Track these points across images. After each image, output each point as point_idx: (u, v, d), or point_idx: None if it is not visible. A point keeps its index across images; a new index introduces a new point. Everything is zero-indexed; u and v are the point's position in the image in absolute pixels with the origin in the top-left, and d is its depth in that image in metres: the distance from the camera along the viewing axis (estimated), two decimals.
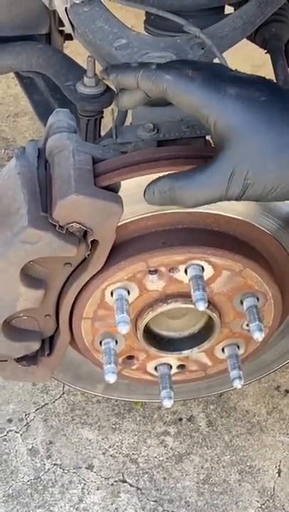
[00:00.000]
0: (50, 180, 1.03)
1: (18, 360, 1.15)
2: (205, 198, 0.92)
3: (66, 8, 1.24)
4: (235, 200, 0.92)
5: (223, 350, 1.20)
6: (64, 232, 1.00)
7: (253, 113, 0.89)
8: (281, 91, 0.93)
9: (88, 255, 1.05)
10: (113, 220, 1.01)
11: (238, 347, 1.20)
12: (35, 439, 1.54)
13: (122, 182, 1.03)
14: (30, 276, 1.05)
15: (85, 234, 1.03)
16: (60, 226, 1.00)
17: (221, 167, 0.90)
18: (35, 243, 1.00)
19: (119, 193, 1.02)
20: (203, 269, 1.07)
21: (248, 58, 2.29)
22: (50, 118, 1.08)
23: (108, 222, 1.01)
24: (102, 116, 1.39)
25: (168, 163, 1.03)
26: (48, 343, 1.15)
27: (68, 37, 1.67)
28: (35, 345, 1.13)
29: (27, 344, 1.12)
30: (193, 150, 1.06)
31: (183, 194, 0.93)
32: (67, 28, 1.36)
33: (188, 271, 1.07)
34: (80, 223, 1.00)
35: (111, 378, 1.08)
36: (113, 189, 1.02)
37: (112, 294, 1.08)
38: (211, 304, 1.11)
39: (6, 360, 1.14)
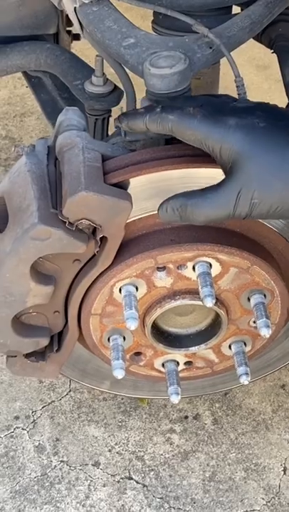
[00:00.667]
0: (59, 177, 1.04)
1: (27, 355, 1.16)
2: (215, 216, 0.98)
3: (75, 8, 1.25)
4: (244, 218, 0.96)
5: (230, 347, 1.21)
6: (73, 228, 1.01)
7: (253, 139, 0.95)
8: (280, 114, 0.98)
9: (97, 252, 1.06)
10: (122, 217, 1.02)
11: (245, 344, 1.21)
12: (42, 436, 1.55)
13: (130, 179, 1.04)
14: (40, 273, 1.06)
15: (94, 231, 1.04)
16: (69, 223, 1.01)
17: (229, 188, 0.96)
18: (45, 240, 1.01)
19: (128, 190, 1.03)
20: (210, 266, 1.08)
21: (252, 59, 2.31)
22: (60, 116, 1.09)
23: (117, 218, 1.02)
24: (110, 115, 1.40)
25: (176, 161, 1.04)
26: (57, 339, 1.16)
27: (76, 37, 1.69)
28: (44, 341, 1.14)
29: (36, 340, 1.13)
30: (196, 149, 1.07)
31: (194, 212, 0.98)
32: (76, 28, 1.37)
33: (196, 268, 1.08)
34: (89, 220, 1.01)
35: (119, 374, 1.09)
36: (122, 186, 1.03)
37: (120, 290, 1.09)
38: (218, 300, 1.12)
39: (16, 356, 1.15)
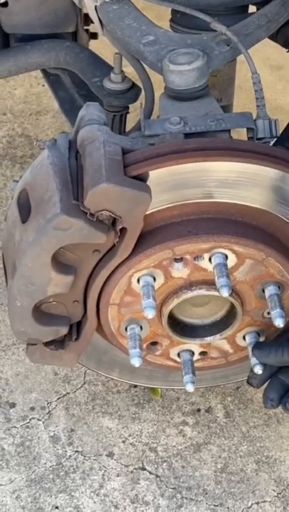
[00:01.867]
0: (81, 170, 1.07)
1: (47, 344, 1.18)
2: None
3: (96, 6, 1.28)
4: None
5: (244, 337, 1.24)
6: (94, 219, 1.04)
7: None
8: None
9: (117, 242, 1.09)
10: (142, 208, 1.05)
11: (259, 334, 1.23)
12: (57, 426, 1.58)
13: (150, 172, 1.07)
14: (60, 263, 1.09)
15: (114, 222, 1.07)
16: (90, 214, 1.04)
17: None
18: (67, 230, 1.04)
19: (147, 183, 1.06)
20: (226, 257, 1.11)
21: (266, 59, 2.33)
22: (81, 111, 1.12)
23: (137, 210, 1.04)
24: (128, 112, 1.43)
25: (194, 155, 1.07)
26: (76, 328, 1.19)
27: (93, 36, 1.72)
28: (64, 330, 1.17)
29: (56, 329, 1.16)
30: (218, 142, 1.10)
31: None
32: (95, 26, 1.40)
33: (212, 259, 1.10)
34: (109, 211, 1.04)
35: (136, 362, 1.11)
36: (142, 179, 1.06)
37: (138, 280, 1.12)
38: (233, 291, 1.14)
39: (36, 344, 1.18)
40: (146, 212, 1.07)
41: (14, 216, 1.12)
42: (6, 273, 1.17)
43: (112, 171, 1.03)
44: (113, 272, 1.12)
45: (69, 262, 1.10)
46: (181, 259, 1.12)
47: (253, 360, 1.21)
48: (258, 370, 1.20)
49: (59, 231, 1.04)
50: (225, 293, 1.07)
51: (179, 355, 1.25)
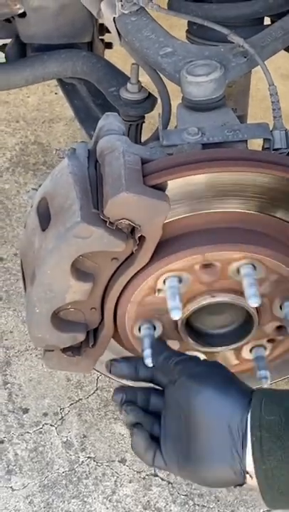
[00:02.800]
0: (100, 179, 1.09)
1: (64, 350, 1.20)
2: None
3: (114, 18, 1.30)
4: None
5: (251, 350, 1.25)
6: (114, 228, 1.06)
7: None
8: None
9: (135, 251, 1.10)
10: (161, 217, 1.06)
11: (265, 348, 1.25)
12: (69, 432, 1.59)
13: (168, 182, 1.08)
14: (79, 270, 1.10)
15: (133, 230, 1.08)
16: (110, 222, 1.05)
17: None
18: (87, 238, 1.05)
19: (166, 192, 1.07)
20: (255, 268, 1.12)
21: (277, 69, 2.35)
22: (101, 121, 1.14)
23: (156, 219, 1.06)
24: (144, 121, 1.45)
25: (212, 165, 1.08)
26: (93, 334, 1.20)
27: (108, 45, 1.74)
28: (81, 337, 1.18)
29: (73, 335, 1.17)
30: (236, 152, 1.11)
31: None
32: (112, 37, 1.42)
33: (241, 268, 1.11)
34: (129, 220, 1.05)
35: (150, 362, 1.12)
36: (160, 188, 1.07)
37: (164, 282, 1.12)
38: None
39: (53, 350, 1.19)
40: (179, 217, 1.07)
41: (34, 224, 1.13)
42: (24, 280, 1.19)
43: (131, 180, 1.04)
44: (139, 271, 1.12)
45: (88, 270, 1.11)
46: (210, 266, 1.12)
47: (260, 374, 1.21)
48: (265, 384, 1.19)
49: (79, 239, 1.05)
50: (254, 303, 1.08)
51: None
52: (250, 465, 0.95)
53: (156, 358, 1.07)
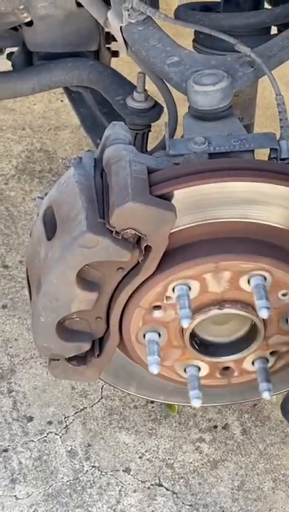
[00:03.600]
0: (106, 188, 1.09)
1: (69, 359, 1.19)
2: None
3: (121, 27, 1.30)
4: None
5: (253, 362, 1.24)
6: (120, 237, 1.05)
7: None
8: None
9: (141, 260, 1.10)
10: (167, 227, 1.06)
11: (268, 360, 1.24)
12: (74, 441, 1.58)
13: (174, 191, 1.08)
14: (85, 280, 1.10)
15: (139, 240, 1.08)
16: (116, 232, 1.05)
17: None
18: (93, 247, 1.05)
19: (172, 202, 1.07)
20: (265, 279, 1.12)
21: (283, 77, 2.35)
22: (107, 130, 1.14)
23: (162, 228, 1.06)
24: (150, 130, 1.45)
25: (219, 175, 1.08)
26: (98, 344, 1.20)
27: (114, 54, 1.74)
28: (86, 346, 1.18)
29: (78, 345, 1.17)
30: (243, 163, 1.11)
31: None
32: (118, 45, 1.42)
33: (251, 279, 1.11)
34: (135, 229, 1.05)
35: (155, 369, 1.12)
36: (167, 198, 1.07)
37: (173, 289, 1.12)
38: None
39: (58, 360, 1.19)
40: (190, 225, 1.08)
41: (39, 233, 1.13)
42: (29, 288, 1.19)
43: (138, 189, 1.04)
44: (149, 278, 1.12)
45: (93, 279, 1.11)
46: (221, 273, 1.12)
47: (262, 386, 1.20)
48: (267, 396, 1.18)
49: (85, 249, 1.05)
50: (264, 315, 1.08)
51: (185, 370, 1.25)
52: None
53: None
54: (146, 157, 1.12)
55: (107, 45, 1.71)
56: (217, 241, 1.11)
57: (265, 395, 1.20)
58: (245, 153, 1.14)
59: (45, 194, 1.20)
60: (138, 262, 1.11)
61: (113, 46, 1.71)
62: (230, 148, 1.13)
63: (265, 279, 1.11)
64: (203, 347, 1.25)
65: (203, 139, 1.13)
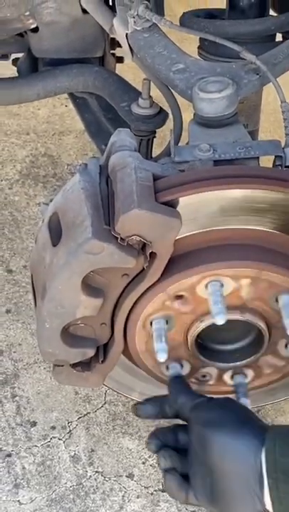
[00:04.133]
0: (112, 195, 1.09)
1: (74, 365, 1.20)
2: None
3: (126, 34, 1.31)
4: None
5: (232, 377, 1.25)
6: (125, 244, 1.06)
7: None
8: None
9: (146, 267, 1.10)
10: (172, 234, 1.06)
11: (246, 376, 1.25)
12: (77, 446, 1.58)
13: (180, 198, 1.08)
14: (90, 286, 1.11)
15: (144, 246, 1.08)
16: (121, 238, 1.05)
17: None
18: (98, 254, 1.05)
19: (177, 209, 1.08)
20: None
21: (287, 83, 2.35)
22: (112, 137, 1.14)
23: (167, 235, 1.06)
24: (155, 136, 1.45)
25: (224, 182, 1.08)
26: (102, 350, 1.20)
27: (119, 60, 1.75)
28: (91, 352, 1.18)
29: (83, 350, 1.17)
30: (248, 170, 1.12)
31: None
32: (122, 51, 1.43)
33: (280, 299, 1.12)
34: (140, 236, 1.05)
35: (162, 357, 1.12)
36: (172, 205, 1.08)
37: (206, 286, 1.12)
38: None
39: (63, 366, 1.19)
40: (199, 231, 1.08)
41: (45, 239, 1.14)
42: (34, 294, 1.19)
43: (143, 196, 1.04)
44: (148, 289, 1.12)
45: (98, 285, 1.12)
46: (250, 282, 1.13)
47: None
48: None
49: (90, 255, 1.05)
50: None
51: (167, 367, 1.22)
52: (269, 504, 0.97)
53: (175, 397, 1.11)
54: (152, 164, 1.12)
55: (111, 51, 1.72)
56: (215, 249, 1.12)
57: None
58: (250, 161, 1.14)
59: (50, 200, 1.20)
60: (143, 269, 1.11)
61: (118, 52, 1.72)
62: (235, 155, 1.13)
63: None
64: (208, 353, 1.25)
65: (208, 146, 1.13)
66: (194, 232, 1.12)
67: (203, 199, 1.09)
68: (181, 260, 1.11)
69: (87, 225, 1.05)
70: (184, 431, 1.08)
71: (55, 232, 1.11)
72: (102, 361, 1.20)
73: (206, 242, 1.12)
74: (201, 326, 1.16)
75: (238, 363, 1.23)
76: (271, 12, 1.44)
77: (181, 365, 1.22)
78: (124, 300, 1.14)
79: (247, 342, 1.23)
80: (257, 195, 1.08)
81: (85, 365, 1.20)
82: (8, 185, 2.16)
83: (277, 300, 1.13)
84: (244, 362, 1.23)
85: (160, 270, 1.11)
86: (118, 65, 1.77)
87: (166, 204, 1.06)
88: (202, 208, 1.09)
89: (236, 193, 1.08)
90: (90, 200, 1.08)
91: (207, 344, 1.24)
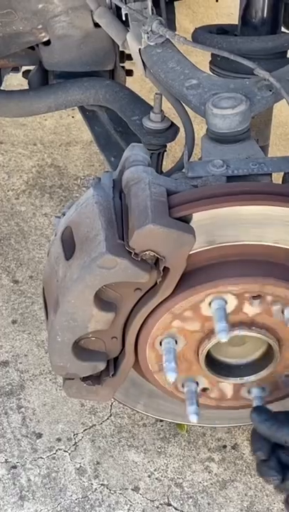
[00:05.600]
0: (125, 209, 1.09)
1: (84, 379, 1.20)
2: None
3: (140, 49, 1.32)
4: None
5: (249, 390, 1.25)
6: (138, 259, 1.06)
7: None
8: None
9: (159, 282, 1.10)
10: (186, 249, 1.06)
11: (264, 390, 1.25)
12: (83, 458, 1.58)
13: (193, 214, 1.09)
14: (102, 300, 1.11)
15: (157, 261, 1.09)
16: (135, 253, 1.06)
17: None
18: (111, 268, 1.06)
19: (191, 224, 1.08)
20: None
21: None
22: (126, 152, 1.15)
23: (181, 251, 1.06)
24: (165, 150, 1.46)
25: (238, 199, 1.09)
26: (113, 364, 1.20)
27: (128, 73, 1.76)
28: (101, 366, 1.18)
29: (94, 364, 1.17)
30: (261, 186, 1.12)
31: None
32: (132, 64, 1.44)
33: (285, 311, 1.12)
34: (154, 251, 1.06)
35: (172, 377, 1.12)
36: (185, 220, 1.08)
37: (209, 304, 1.13)
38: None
39: (73, 379, 1.19)
40: (197, 251, 1.08)
41: (58, 253, 1.14)
42: (46, 308, 1.19)
43: (157, 212, 1.05)
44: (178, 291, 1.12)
45: (110, 300, 1.12)
46: (258, 297, 1.13)
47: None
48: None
49: (103, 269, 1.06)
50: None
51: (183, 384, 1.24)
52: None
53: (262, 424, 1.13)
54: (166, 179, 1.13)
55: (121, 64, 1.73)
56: (228, 264, 1.12)
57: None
58: (263, 177, 1.15)
59: (63, 214, 1.20)
60: (156, 283, 1.11)
61: (127, 65, 1.73)
62: (248, 171, 1.14)
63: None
64: (216, 367, 1.25)
65: (221, 162, 1.14)
66: (208, 247, 1.12)
67: (217, 215, 1.09)
68: (194, 275, 1.12)
69: (100, 240, 1.06)
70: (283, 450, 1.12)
71: (68, 246, 1.12)
72: (113, 375, 1.20)
73: (219, 257, 1.12)
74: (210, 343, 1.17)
75: (251, 377, 1.23)
76: (283, 29, 1.45)
77: (197, 383, 1.22)
78: (136, 314, 1.15)
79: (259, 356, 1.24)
80: (270, 211, 1.09)
81: (95, 379, 1.20)
82: (14, 196, 2.16)
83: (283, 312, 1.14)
84: (258, 375, 1.23)
85: (173, 285, 1.11)
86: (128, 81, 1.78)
87: (179, 219, 1.07)
88: (216, 224, 1.10)
89: (250, 210, 1.09)
90: (104, 214, 1.09)
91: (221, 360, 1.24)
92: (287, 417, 1.14)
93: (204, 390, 1.26)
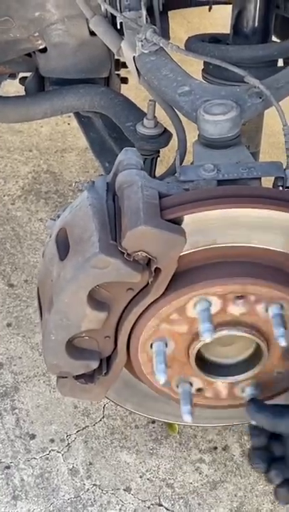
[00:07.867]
0: (118, 211, 1.12)
1: (77, 377, 1.22)
2: None
3: (134, 57, 1.35)
4: None
5: (243, 389, 1.27)
6: (131, 259, 1.09)
7: None
8: None
9: (151, 282, 1.13)
10: (177, 250, 1.09)
11: (258, 388, 1.27)
12: (75, 459, 1.60)
13: (184, 216, 1.11)
14: (95, 300, 1.13)
15: (149, 262, 1.11)
16: (127, 254, 1.08)
17: None
18: (104, 268, 1.08)
19: (182, 226, 1.11)
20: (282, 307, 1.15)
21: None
22: (120, 156, 1.18)
23: (172, 252, 1.09)
24: (158, 155, 1.49)
25: (228, 201, 1.12)
26: (106, 363, 1.23)
27: (123, 80, 1.79)
28: (94, 365, 1.20)
29: (87, 363, 1.20)
30: (251, 190, 1.15)
31: None
32: (127, 72, 1.47)
33: (270, 309, 1.15)
34: (146, 252, 1.08)
35: (162, 378, 1.14)
36: (177, 222, 1.11)
37: (194, 305, 1.15)
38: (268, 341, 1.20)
39: (66, 377, 1.22)
40: (188, 252, 1.11)
41: (52, 253, 1.16)
42: (40, 307, 1.21)
43: (149, 214, 1.07)
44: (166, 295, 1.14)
45: (103, 299, 1.14)
46: (241, 297, 1.15)
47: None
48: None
49: (97, 269, 1.08)
50: (283, 342, 1.10)
51: (177, 385, 1.27)
52: None
53: (257, 416, 1.17)
54: (158, 182, 1.15)
55: (116, 72, 1.76)
56: (217, 265, 1.14)
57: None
58: (252, 181, 1.18)
59: (57, 216, 1.23)
60: (147, 284, 1.14)
61: (122, 72, 1.76)
62: (238, 175, 1.17)
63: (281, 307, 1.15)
64: (206, 367, 1.27)
65: (212, 166, 1.17)
66: (198, 249, 1.15)
67: (207, 217, 1.12)
68: (185, 276, 1.14)
69: (94, 241, 1.08)
70: (278, 443, 1.15)
71: (63, 247, 1.14)
72: (106, 374, 1.22)
73: (209, 258, 1.15)
74: (198, 344, 1.19)
75: (241, 376, 1.26)
76: (273, 38, 1.48)
77: (190, 383, 1.24)
78: (128, 314, 1.17)
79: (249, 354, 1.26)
80: (259, 214, 1.12)
81: (88, 378, 1.22)
82: (10, 201, 2.19)
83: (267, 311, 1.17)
84: (249, 374, 1.25)
85: (164, 285, 1.14)
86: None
87: (171, 221, 1.10)
88: (206, 226, 1.12)
89: (239, 212, 1.11)
90: (98, 216, 1.11)
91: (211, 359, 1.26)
92: (284, 409, 1.16)
93: (199, 390, 1.29)
